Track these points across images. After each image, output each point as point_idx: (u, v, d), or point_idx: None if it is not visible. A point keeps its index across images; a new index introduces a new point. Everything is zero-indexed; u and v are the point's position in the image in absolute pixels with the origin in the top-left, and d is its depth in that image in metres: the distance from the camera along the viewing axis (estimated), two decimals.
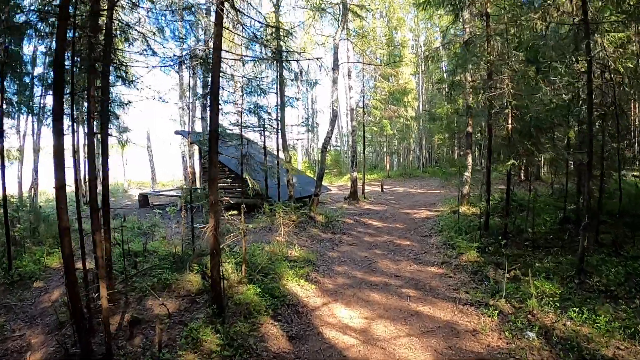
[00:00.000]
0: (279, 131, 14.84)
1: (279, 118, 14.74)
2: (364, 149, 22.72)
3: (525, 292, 7.64)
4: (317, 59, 11.68)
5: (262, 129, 14.97)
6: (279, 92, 14.59)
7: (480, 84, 13.14)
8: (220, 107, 12.99)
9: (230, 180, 19.43)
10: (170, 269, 9.07)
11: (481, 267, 9.60)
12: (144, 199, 22.93)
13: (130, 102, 11.97)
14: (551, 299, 7.28)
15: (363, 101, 21.77)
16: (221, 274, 7.11)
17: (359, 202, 20.09)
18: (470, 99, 15.24)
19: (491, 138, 11.84)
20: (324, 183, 32.11)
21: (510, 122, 10.79)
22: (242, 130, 14.82)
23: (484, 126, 14.07)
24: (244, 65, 12.82)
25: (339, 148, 43.57)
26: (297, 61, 12.55)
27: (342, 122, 43.48)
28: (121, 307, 7.38)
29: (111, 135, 8.75)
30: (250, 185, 12.71)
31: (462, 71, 14.68)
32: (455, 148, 38.42)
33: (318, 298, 8.53)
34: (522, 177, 19.23)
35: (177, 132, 20.40)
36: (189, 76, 21.80)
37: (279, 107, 14.79)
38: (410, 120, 33.79)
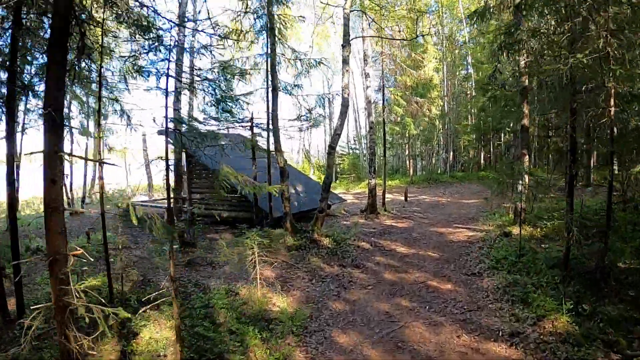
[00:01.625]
0: (270, 127, 10.97)
1: (271, 110, 10.86)
2: (385, 150, 18.60)
3: None
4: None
5: (248, 124, 11.15)
6: (269, 75, 10.76)
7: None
8: (184, 93, 9.38)
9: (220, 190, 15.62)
10: None
11: (580, 347, 5.58)
12: (127, 210, 19.15)
13: None
14: None
15: (383, 91, 17.78)
16: None
17: (379, 215, 16.08)
18: (526, 81, 11.16)
19: (574, 129, 7.76)
20: (338, 191, 28.02)
21: (612, 103, 6.74)
22: (222, 125, 11.02)
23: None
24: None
25: (357, 150, 39.49)
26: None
27: (360, 119, 39.43)
28: None
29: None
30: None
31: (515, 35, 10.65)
32: (481, 151, 34.21)
33: None
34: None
35: (160, 133, 16.69)
36: None
37: (270, 95, 10.92)
38: (435, 119, 29.63)
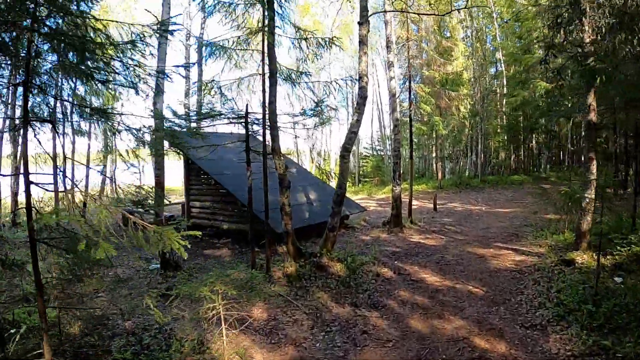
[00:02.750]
0: (266, 123, 8.61)
1: (267, 101, 8.51)
2: (412, 152, 16.06)
3: None
4: None
5: (242, 121, 8.87)
6: (264, 57, 8.41)
7: None
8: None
9: (219, 197, 13.50)
10: None
11: None
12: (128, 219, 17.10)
13: None
14: None
15: (409, 83, 15.21)
16: None
17: (404, 229, 13.61)
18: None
19: None
20: (360, 196, 25.53)
21: None
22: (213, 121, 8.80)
23: None
24: None
25: (381, 152, 36.94)
26: None
27: (384, 118, 36.77)
28: None
29: None
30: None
31: None
32: (511, 153, 31.33)
33: None
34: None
35: (157, 130, 14.59)
36: None
37: (267, 83, 8.56)
38: (465, 118, 26.94)
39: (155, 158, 9.69)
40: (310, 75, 9.52)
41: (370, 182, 30.99)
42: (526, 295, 7.63)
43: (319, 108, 9.01)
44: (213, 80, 8.62)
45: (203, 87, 8.84)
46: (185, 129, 9.23)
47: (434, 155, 32.47)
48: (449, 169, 33.59)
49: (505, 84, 29.05)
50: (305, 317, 7.09)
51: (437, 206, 18.49)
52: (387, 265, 9.80)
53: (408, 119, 16.57)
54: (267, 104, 8.39)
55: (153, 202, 9.70)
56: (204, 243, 13.42)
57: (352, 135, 9.31)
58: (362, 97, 9.18)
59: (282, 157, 8.50)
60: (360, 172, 33.45)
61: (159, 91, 9.59)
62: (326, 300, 7.71)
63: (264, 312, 7.30)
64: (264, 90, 8.47)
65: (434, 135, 27.69)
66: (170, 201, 24.09)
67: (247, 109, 8.79)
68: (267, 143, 8.77)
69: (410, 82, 15.43)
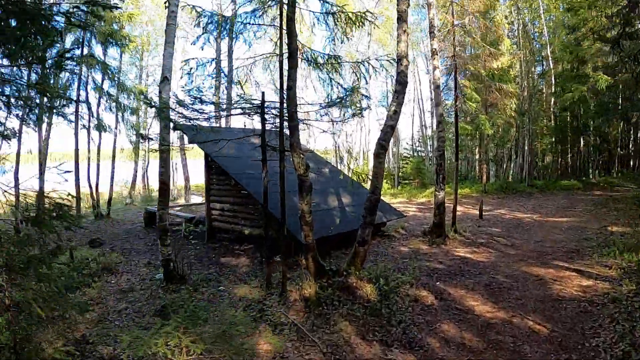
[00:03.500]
0: (283, 115, 7.10)
1: (285, 86, 6.99)
2: (457, 153, 14.21)
3: None
4: None
5: (257, 111, 7.41)
6: (283, 34, 6.89)
7: None
8: None
9: (240, 198, 12.13)
10: None
11: None
12: (150, 217, 16.17)
13: None
14: None
15: (455, 75, 13.27)
16: None
17: (447, 240, 11.87)
18: None
19: None
20: (399, 200, 23.54)
21: None
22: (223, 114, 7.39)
23: None
24: None
25: (422, 153, 34.88)
26: None
27: (425, 117, 34.67)
28: None
29: None
30: None
31: None
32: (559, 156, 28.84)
33: None
34: None
35: (175, 127, 13.30)
36: None
37: (285, 65, 7.03)
38: (512, 117, 24.68)
39: (160, 154, 8.35)
40: (340, 58, 7.93)
41: (410, 185, 28.99)
42: (603, 338, 5.86)
43: (350, 95, 7.40)
44: (213, 60, 7.15)
45: (193, 69, 7.34)
46: (195, 121, 7.86)
47: (476, 157, 30.30)
48: (493, 172, 31.28)
49: (553, 82, 26.69)
50: (322, 358, 5.56)
51: (483, 213, 16.57)
52: (427, 287, 8.16)
53: (452, 115, 14.66)
54: (285, 90, 6.89)
55: (158, 205, 8.44)
56: (222, 249, 12.10)
57: (389, 130, 7.69)
58: (401, 83, 7.55)
59: (302, 155, 6.96)
60: (400, 173, 31.49)
61: (164, 78, 8.29)
62: (350, 334, 6.16)
63: (270, 347, 5.82)
64: (281, 74, 6.99)
65: (478, 136, 25.59)
66: (187, 201, 23.12)
67: (263, 98, 7.32)
68: (280, 137, 7.27)
69: (456, 74, 13.57)
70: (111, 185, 19.95)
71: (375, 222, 8.08)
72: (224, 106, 7.67)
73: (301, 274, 8.05)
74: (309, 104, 7.61)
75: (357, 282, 7.40)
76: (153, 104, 7.39)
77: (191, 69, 7.41)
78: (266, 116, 7.57)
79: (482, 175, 26.63)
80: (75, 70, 16.68)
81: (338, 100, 7.42)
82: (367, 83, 8.21)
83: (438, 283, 8.46)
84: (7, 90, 14.71)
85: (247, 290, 8.15)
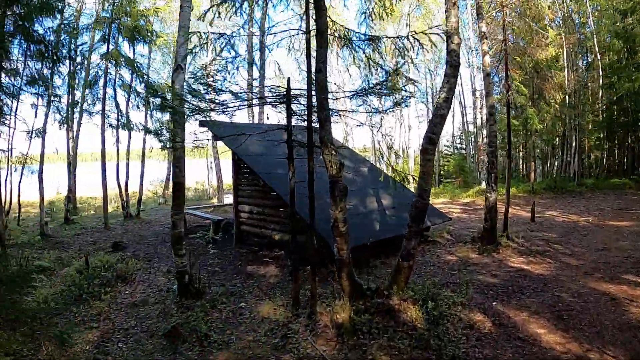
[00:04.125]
0: (311, 103, 5.87)
1: (314, 70, 5.77)
2: (510, 149, 12.62)
3: None
4: None
5: (282, 100, 6.24)
6: (308, 8, 5.65)
7: None
8: None
9: (270, 201, 11.05)
10: None
11: None
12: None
13: None
14: None
15: (506, 62, 11.62)
16: None
17: (500, 248, 10.40)
18: None
19: None
20: (441, 200, 21.56)
21: None
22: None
23: None
24: None
25: (463, 150, 32.97)
26: None
27: (467, 113, 32.76)
28: None
29: None
30: None
31: None
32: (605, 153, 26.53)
33: None
34: None
35: (202, 124, 12.28)
36: None
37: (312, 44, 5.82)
38: (560, 112, 22.74)
39: (173, 152, 7.28)
40: (380, 40, 6.63)
41: (452, 184, 27.17)
42: None
43: (392, 79, 6.10)
44: (223, 35, 5.96)
45: (203, 43, 6.17)
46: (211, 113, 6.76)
47: (520, 153, 28.30)
48: (539, 170, 29.17)
49: (601, 74, 24.53)
50: None
51: (534, 215, 14.91)
52: (482, 308, 6.81)
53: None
54: (313, 74, 5.68)
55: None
56: (250, 255, 11.02)
57: (439, 120, 6.36)
58: (453, 66, 6.22)
59: (334, 151, 5.74)
60: (441, 172, 29.74)
61: (177, 67, 7.21)
62: None
63: None
64: (308, 54, 5.76)
65: (523, 131, 23.67)
66: (220, 201, 22.18)
67: (288, 84, 6.13)
68: (308, 129, 6.03)
69: (506, 61, 11.99)
70: (141, 185, 19.22)
71: (410, 251, 6.83)
72: (246, 96, 6.37)
73: (334, 292, 6.83)
74: (342, 91, 6.33)
75: (399, 304, 6.13)
76: (159, 92, 6.31)
77: (194, 46, 6.28)
78: (294, 107, 6.38)
79: (528, 174, 24.68)
80: (101, 67, 16.00)
81: (377, 85, 6.14)
82: (412, 62, 6.88)
83: (495, 303, 7.10)
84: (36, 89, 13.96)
85: (271, 309, 7.00)
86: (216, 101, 6.15)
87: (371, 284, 6.71)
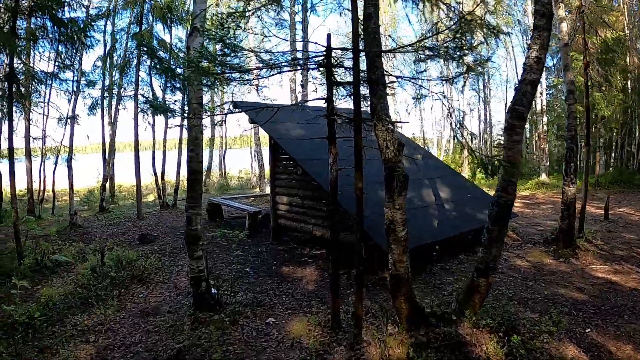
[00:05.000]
0: (359, 62, 4.24)
1: (362, 15, 4.11)
2: (589, 135, 10.43)
3: None
4: None
5: (320, 59, 4.63)
6: None
7: None
8: None
9: (310, 191, 9.50)
10: None
11: None
12: (214, 209, 14.00)
13: None
14: None
15: (584, 32, 9.42)
16: None
17: (578, 253, 8.47)
18: None
19: None
20: (494, 195, 19.86)
21: None
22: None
23: None
24: None
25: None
26: None
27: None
28: None
29: None
30: None
31: None
32: None
33: None
34: None
35: (236, 106, 10.79)
36: None
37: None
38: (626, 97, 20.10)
39: (189, 133, 5.79)
40: None
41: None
42: None
43: (464, 29, 4.32)
44: None
45: None
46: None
47: (580, 143, 25.54)
48: (602, 161, 26.32)
49: None
50: None
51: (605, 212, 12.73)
52: (573, 337, 5.05)
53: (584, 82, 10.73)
54: (360, 23, 4.04)
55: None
56: (287, 254, 9.53)
57: (528, 89, 4.58)
58: (544, 15, 4.41)
59: (392, 127, 4.09)
60: (497, 162, 27.23)
61: (193, 29, 5.71)
62: None
63: None
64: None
65: (595, 115, 21.07)
66: (261, 190, 20.84)
67: (328, 42, 4.51)
68: (355, 98, 4.37)
69: (584, 33, 9.88)
70: (177, 173, 18.05)
71: (491, 263, 5.07)
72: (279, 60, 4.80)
73: (385, 310, 5.20)
74: (400, 46, 4.59)
75: (472, 334, 4.46)
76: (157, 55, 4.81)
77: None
78: (336, 72, 4.77)
79: (593, 165, 22.05)
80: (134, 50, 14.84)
81: (449, 28, 4.36)
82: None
83: (588, 330, 5.29)
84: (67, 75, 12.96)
85: (304, 328, 5.47)
86: (234, 65, 4.60)
87: (432, 300, 5.05)
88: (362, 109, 4.46)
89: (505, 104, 32.28)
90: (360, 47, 4.09)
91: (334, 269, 5.06)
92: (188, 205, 5.86)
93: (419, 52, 4.38)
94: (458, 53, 4.52)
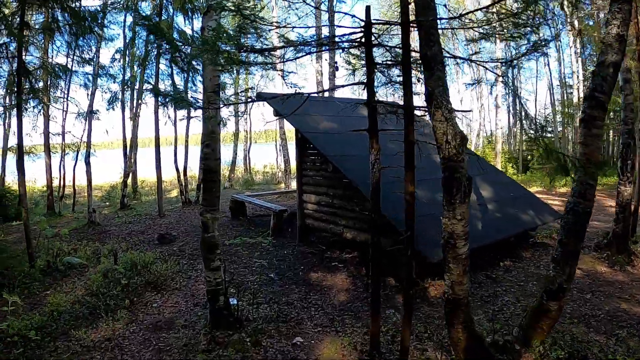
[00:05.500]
0: (408, 35, 3.39)
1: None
2: None
3: None
4: None
5: (359, 39, 3.80)
6: None
7: None
8: None
9: (341, 190, 8.65)
10: None
11: None
12: (237, 207, 13.23)
13: None
14: None
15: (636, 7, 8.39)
16: None
17: (634, 260, 7.46)
18: None
19: None
20: (533, 191, 18.36)
21: None
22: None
23: None
24: None
25: (550, 133, 27.84)
26: None
27: (553, 87, 27.66)
28: None
29: None
30: None
31: None
32: None
33: None
34: None
35: (259, 96, 9.98)
36: None
37: None
38: None
39: (204, 125, 5.02)
40: None
41: (541, 171, 23.09)
42: None
43: None
44: None
45: None
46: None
47: (612, 136, 24.03)
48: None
49: None
50: None
51: None
52: None
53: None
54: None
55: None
56: (315, 257, 8.67)
57: (610, 72, 3.65)
58: None
59: (450, 113, 3.23)
60: (528, 156, 25.56)
61: (208, 8, 4.95)
62: None
63: None
64: None
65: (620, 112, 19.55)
66: (287, 186, 20.07)
67: (367, 15, 3.68)
68: (404, 81, 3.51)
69: (637, 13, 8.79)
70: (200, 169, 17.41)
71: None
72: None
73: (432, 331, 4.36)
74: (466, 13, 3.67)
75: None
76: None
77: None
78: (378, 59, 3.93)
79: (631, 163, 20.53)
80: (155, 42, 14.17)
81: None
82: None
83: None
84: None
85: (337, 352, 4.66)
86: (253, 46, 3.80)
87: (483, 318, 4.19)
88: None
89: (536, 98, 30.77)
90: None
91: (374, 288, 4.20)
92: (204, 209, 5.09)
93: (487, 23, 3.50)
94: (525, 29, 3.64)
